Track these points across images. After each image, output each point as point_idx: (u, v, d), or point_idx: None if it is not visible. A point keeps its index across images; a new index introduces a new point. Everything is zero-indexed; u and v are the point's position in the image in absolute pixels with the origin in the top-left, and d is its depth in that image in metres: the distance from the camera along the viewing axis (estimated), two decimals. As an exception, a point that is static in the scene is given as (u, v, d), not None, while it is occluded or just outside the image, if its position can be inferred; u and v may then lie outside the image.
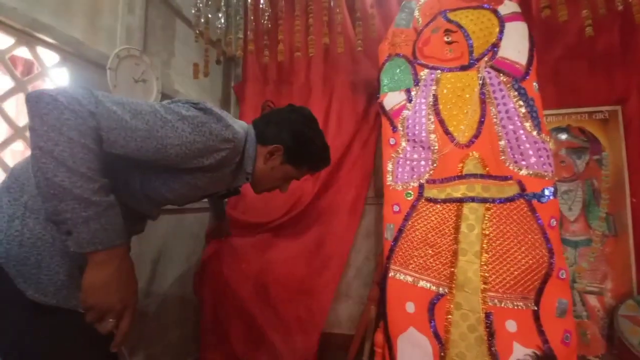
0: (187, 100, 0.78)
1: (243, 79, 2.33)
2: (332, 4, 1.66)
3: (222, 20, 1.83)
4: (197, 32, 1.77)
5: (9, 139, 1.14)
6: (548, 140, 1.36)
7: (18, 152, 1.32)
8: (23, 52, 1.19)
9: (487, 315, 1.21)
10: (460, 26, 1.54)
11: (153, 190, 0.78)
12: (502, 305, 1.21)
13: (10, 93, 1.15)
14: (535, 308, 1.19)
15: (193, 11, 1.77)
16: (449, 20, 1.57)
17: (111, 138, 0.64)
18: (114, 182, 0.66)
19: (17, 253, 0.64)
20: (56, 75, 1.28)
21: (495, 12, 1.54)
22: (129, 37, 1.52)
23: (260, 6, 1.74)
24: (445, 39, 1.54)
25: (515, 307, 1.20)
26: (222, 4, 1.83)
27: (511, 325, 1.19)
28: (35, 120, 0.58)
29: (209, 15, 1.79)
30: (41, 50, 1.23)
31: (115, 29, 1.50)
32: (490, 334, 1.19)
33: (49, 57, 1.26)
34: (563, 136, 1.97)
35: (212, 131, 0.74)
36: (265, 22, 1.73)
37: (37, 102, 0.59)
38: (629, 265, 1.79)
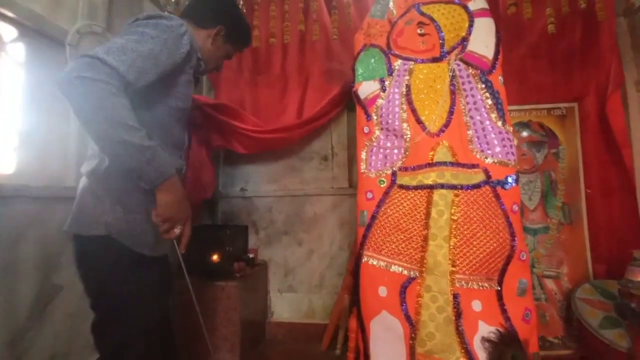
0: (139, 19, 0.88)
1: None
2: (308, -8, 1.65)
3: (194, 3, 1.76)
4: (166, 13, 1.69)
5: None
6: (512, 130, 1.43)
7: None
8: None
9: (455, 297, 1.26)
10: (432, 19, 1.58)
11: (170, 109, 0.93)
12: (469, 286, 1.26)
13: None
14: (499, 288, 1.26)
15: (162, -9, 1.70)
16: (422, 13, 1.61)
17: (132, 76, 0.77)
18: (159, 133, 0.87)
19: (125, 225, 0.87)
20: (14, 50, 1.17)
21: (465, 7, 1.59)
22: (91, 14, 1.43)
23: (235, -10, 1.69)
24: (418, 31, 1.57)
25: (481, 288, 1.26)
26: (194, -15, 1.77)
27: (477, 305, 1.24)
28: (77, 100, 0.71)
29: (180, -3, 1.73)
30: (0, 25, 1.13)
31: (77, 4, 1.41)
32: (458, 314, 1.24)
33: (7, 31, 1.16)
34: (525, 131, 2.08)
35: (169, 26, 0.87)
36: (240, 7, 1.68)
37: (69, 86, 0.71)
38: (584, 252, 1.92)
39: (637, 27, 2.01)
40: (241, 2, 1.71)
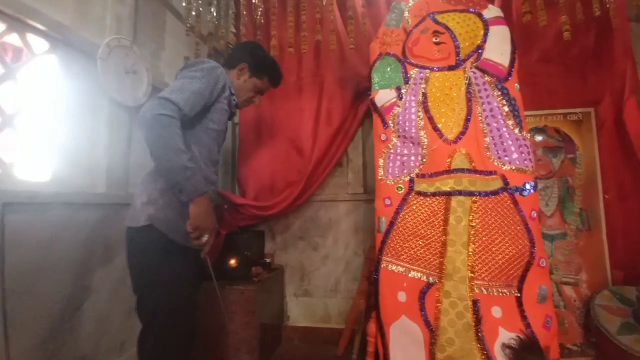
0: (189, 65, 1.18)
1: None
2: (324, 1, 1.69)
3: (214, 14, 1.82)
4: (188, 25, 1.75)
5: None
6: (529, 137, 1.44)
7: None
8: (13, 38, 1.15)
9: (475, 302, 1.26)
10: (447, 28, 1.61)
11: (207, 129, 1.19)
12: (488, 292, 1.27)
13: (0, 80, 1.11)
14: (519, 294, 1.26)
15: (184, 4, 1.76)
16: (437, 22, 1.63)
17: (187, 108, 1.05)
18: (198, 149, 1.14)
19: (164, 216, 1.08)
20: (45, 62, 1.24)
21: (480, 15, 1.61)
22: (118, 27, 1.50)
23: (253, 1, 1.75)
24: (434, 39, 1.60)
25: (500, 294, 1.26)
26: (214, -3, 1.83)
27: (497, 311, 1.25)
28: (152, 131, 0.99)
29: (200, 9, 1.79)
30: (31, 38, 1.19)
31: (104, 18, 1.48)
32: (478, 320, 1.24)
33: (38, 44, 1.22)
34: (540, 136, 2.07)
35: (209, 69, 1.16)
36: (258, 17, 1.74)
37: (150, 121, 0.98)
38: (602, 258, 1.90)
39: (652, 32, 2.00)
40: (259, 13, 1.77)
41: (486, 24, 1.60)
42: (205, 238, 1.07)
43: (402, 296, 1.35)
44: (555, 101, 2.05)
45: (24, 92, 1.18)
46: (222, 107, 1.21)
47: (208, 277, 1.21)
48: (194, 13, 1.75)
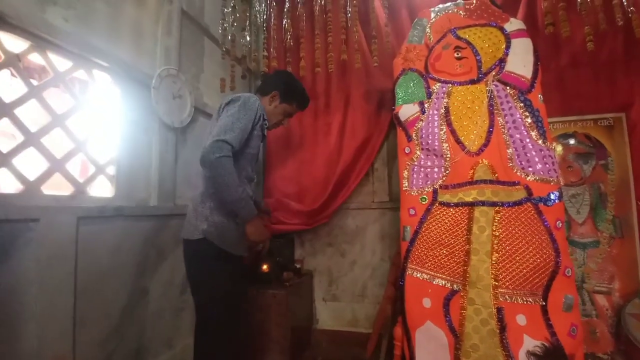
0: (233, 101, 1.34)
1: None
2: (349, 23, 1.80)
3: (248, 39, 1.99)
4: (224, 49, 1.93)
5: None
6: (553, 148, 1.47)
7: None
8: (80, 73, 1.35)
9: (499, 310, 1.31)
10: (469, 43, 1.67)
11: (246, 154, 1.36)
12: (513, 300, 1.31)
13: (72, 111, 1.31)
14: (544, 303, 1.29)
15: (220, 30, 1.93)
16: (459, 38, 1.69)
17: (237, 145, 1.24)
18: (237, 171, 1.26)
19: (215, 230, 1.27)
20: (109, 93, 1.43)
21: (501, 29, 1.66)
22: (167, 57, 1.69)
23: (283, 26, 1.89)
24: (455, 55, 1.66)
25: (525, 303, 1.30)
26: (247, 23, 1.99)
27: (521, 319, 1.29)
28: (216, 170, 1.18)
29: (235, 34, 1.95)
30: (96, 73, 1.39)
31: (155, 50, 1.67)
32: (502, 327, 1.29)
33: (102, 77, 1.42)
34: (570, 142, 2.06)
35: (249, 104, 1.33)
36: (287, 40, 1.87)
37: (214, 163, 1.17)
38: (635, 266, 1.86)
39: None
40: (289, 37, 1.90)
41: (508, 37, 1.64)
42: (260, 247, 1.44)
43: (427, 302, 1.41)
44: (585, 106, 2.03)
45: (93, 119, 1.38)
46: (258, 134, 1.38)
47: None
48: (229, 38, 1.92)
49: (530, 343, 1.25)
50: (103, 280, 1.34)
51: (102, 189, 1.40)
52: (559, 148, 2.04)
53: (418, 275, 1.47)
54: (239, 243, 1.33)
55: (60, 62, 1.27)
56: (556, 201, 1.39)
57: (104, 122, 1.42)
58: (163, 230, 1.63)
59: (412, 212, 1.56)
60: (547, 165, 1.43)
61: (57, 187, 1.24)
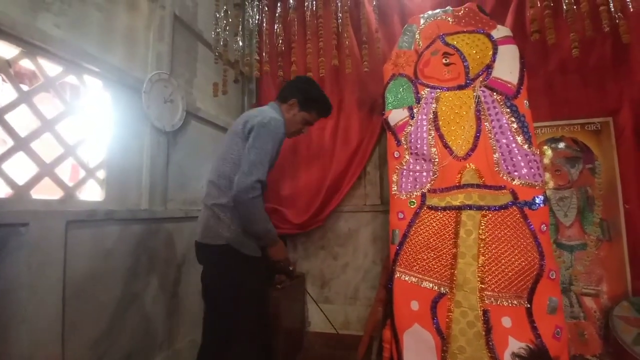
0: (259, 127, 1.33)
1: (259, 98, 2.51)
2: (340, 28, 1.82)
3: (240, 43, 2.01)
4: (217, 54, 1.94)
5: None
6: (538, 152, 1.49)
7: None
8: (70, 79, 1.36)
9: (485, 313, 1.33)
10: (457, 49, 1.70)
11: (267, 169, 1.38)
12: (498, 303, 1.33)
13: (62, 116, 1.32)
14: (528, 305, 1.31)
15: (213, 35, 1.95)
16: (447, 44, 1.72)
17: (265, 176, 1.29)
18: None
19: (237, 238, 1.31)
20: (100, 98, 1.45)
21: (489, 35, 1.69)
22: (159, 63, 1.70)
23: (275, 31, 1.91)
24: (444, 61, 1.69)
25: (510, 305, 1.32)
26: (240, 28, 2.01)
27: (506, 321, 1.31)
28: (251, 209, 1.26)
29: (227, 39, 1.97)
30: (87, 78, 1.40)
31: (147, 55, 1.68)
32: (488, 330, 1.31)
33: (94, 83, 1.43)
34: (557, 146, 2.09)
35: (275, 128, 1.35)
36: (279, 45, 1.89)
37: (249, 203, 1.24)
38: (623, 268, 1.89)
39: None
40: (280, 41, 1.93)
41: (495, 44, 1.67)
42: (287, 265, 1.52)
43: (415, 305, 1.43)
44: (573, 111, 2.07)
45: (83, 124, 1.39)
46: (278, 149, 1.41)
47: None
48: (222, 43, 1.94)
49: (515, 345, 1.27)
50: (94, 285, 1.34)
51: (92, 194, 1.41)
52: (548, 152, 2.08)
53: (406, 279, 1.48)
54: (256, 246, 1.38)
55: (50, 68, 1.28)
56: (541, 205, 1.42)
57: (94, 127, 1.43)
58: (154, 235, 1.64)
59: (400, 215, 1.58)
60: (533, 170, 1.46)
61: (46, 192, 1.25)
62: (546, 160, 2.06)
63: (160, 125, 1.66)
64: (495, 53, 1.64)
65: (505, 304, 1.33)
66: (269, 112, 1.41)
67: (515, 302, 1.33)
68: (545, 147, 2.08)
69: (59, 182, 1.27)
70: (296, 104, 1.46)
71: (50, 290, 1.17)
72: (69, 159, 1.33)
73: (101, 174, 1.44)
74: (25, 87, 1.21)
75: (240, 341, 1.32)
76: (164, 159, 1.71)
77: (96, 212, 1.35)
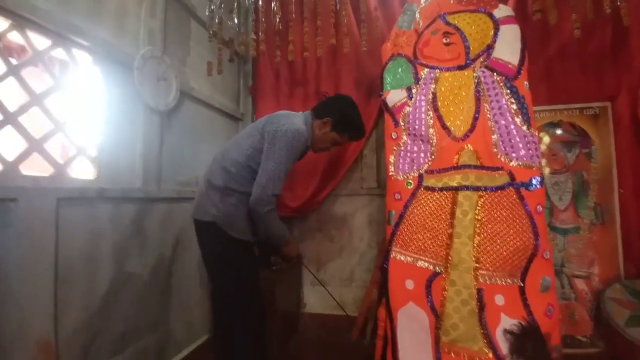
0: (278, 133, 1.33)
1: (256, 79, 2.47)
2: (338, 7, 1.78)
3: (235, 21, 1.95)
4: (211, 32, 1.89)
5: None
6: (536, 134, 1.48)
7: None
8: (59, 53, 1.32)
9: (478, 291, 1.34)
10: (458, 29, 1.66)
11: None
12: (492, 282, 1.35)
13: (50, 91, 1.28)
14: (522, 284, 1.33)
15: (207, 12, 1.89)
16: (448, 23, 1.69)
17: (280, 189, 1.34)
18: None
19: (224, 217, 1.33)
20: (89, 74, 1.40)
21: (490, 15, 1.65)
22: (151, 39, 1.65)
23: (272, 9, 1.86)
24: (444, 40, 1.66)
25: (504, 284, 1.34)
26: (235, 5, 1.95)
27: (499, 299, 1.32)
28: (268, 221, 1.34)
29: (222, 17, 1.91)
30: (76, 52, 1.36)
31: (138, 31, 1.63)
32: (481, 307, 1.32)
33: (82, 57, 1.38)
34: (555, 131, 2.08)
35: (298, 135, 1.37)
36: (276, 23, 1.84)
37: (265, 215, 1.31)
38: (615, 252, 1.92)
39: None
40: (277, 20, 1.87)
41: (496, 24, 1.64)
42: (295, 259, 1.72)
43: (409, 284, 1.44)
44: (572, 96, 2.06)
45: (73, 100, 1.35)
46: (299, 158, 1.49)
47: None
48: (216, 20, 1.88)
49: (507, 321, 1.29)
50: (86, 264, 1.33)
51: (83, 172, 1.38)
52: (546, 138, 2.07)
53: (402, 258, 1.49)
54: (246, 230, 1.38)
55: (39, 41, 1.23)
56: (538, 186, 1.41)
57: (85, 103, 1.39)
58: (148, 215, 1.62)
59: (397, 196, 1.58)
60: (531, 151, 1.45)
61: (36, 169, 1.22)
62: (543, 146, 2.06)
63: (153, 104, 1.62)
64: (496, 33, 1.61)
65: (499, 282, 1.34)
66: (296, 121, 1.39)
67: (509, 280, 1.34)
68: (543, 133, 2.08)
69: (49, 159, 1.24)
70: (330, 123, 1.45)
71: (41, 268, 1.15)
72: (58, 135, 1.30)
73: (93, 151, 1.41)
74: (14, 61, 1.17)
75: (237, 331, 1.37)
76: (158, 138, 1.68)
77: (88, 190, 1.33)
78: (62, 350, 1.22)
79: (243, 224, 1.35)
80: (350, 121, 1.50)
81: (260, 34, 1.88)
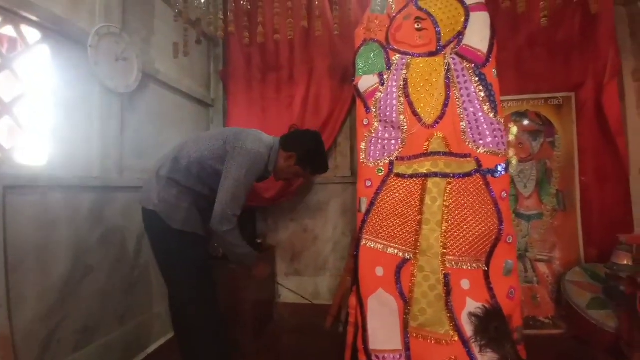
0: (241, 148, 1.33)
1: (227, 63, 2.37)
2: (310, -13, 1.72)
3: (202, 0, 1.84)
4: (176, 11, 1.78)
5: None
6: (502, 121, 1.51)
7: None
8: (8, 30, 1.20)
9: (445, 276, 1.37)
10: (429, 14, 1.65)
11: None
12: (459, 266, 1.37)
13: (-5, 70, 1.16)
14: (486, 268, 1.36)
15: (171, -11, 1.78)
16: (420, 8, 1.67)
17: (241, 209, 1.33)
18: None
19: (164, 207, 1.30)
20: (39, 52, 1.29)
21: (461, 1, 1.65)
22: (108, 14, 1.53)
23: (240, -13, 1.77)
24: (416, 26, 1.64)
25: (469, 268, 1.37)
26: (202, -17, 1.84)
27: (465, 284, 1.36)
28: (228, 240, 1.31)
29: (188, -5, 1.80)
30: (24, 28, 1.24)
31: (94, 6, 1.51)
32: (448, 292, 1.35)
33: (31, 34, 1.27)
34: (522, 120, 2.14)
35: (259, 156, 1.36)
36: (244, 3, 1.76)
37: (226, 235, 1.29)
38: (576, 237, 2.01)
39: (636, 16, 2.03)
40: None
41: (467, 10, 1.64)
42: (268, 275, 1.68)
43: (379, 271, 1.45)
44: (540, 85, 2.11)
45: (21, 81, 1.24)
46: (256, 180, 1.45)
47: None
48: (181, -1, 1.77)
49: (472, 305, 1.33)
50: (40, 254, 1.25)
51: (33, 158, 1.28)
52: (514, 128, 2.12)
53: (372, 245, 1.49)
54: (188, 222, 1.34)
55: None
56: (503, 173, 1.44)
57: (34, 84, 1.28)
58: (109, 204, 1.53)
59: (368, 183, 1.57)
60: (497, 139, 1.47)
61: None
62: (511, 136, 2.12)
63: (112, 86, 1.51)
64: (467, 20, 1.61)
65: (465, 267, 1.37)
66: (262, 144, 1.39)
67: (474, 265, 1.37)
68: (511, 123, 2.13)
69: (-10, 143, 1.14)
70: (295, 157, 1.45)
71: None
72: (5, 119, 1.19)
73: (43, 136, 1.30)
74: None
75: (193, 327, 1.35)
76: (118, 123, 1.58)
77: (38, 178, 1.24)
78: (20, 344, 1.16)
79: (184, 214, 1.32)
80: (314, 158, 1.50)
81: (229, 14, 1.79)
